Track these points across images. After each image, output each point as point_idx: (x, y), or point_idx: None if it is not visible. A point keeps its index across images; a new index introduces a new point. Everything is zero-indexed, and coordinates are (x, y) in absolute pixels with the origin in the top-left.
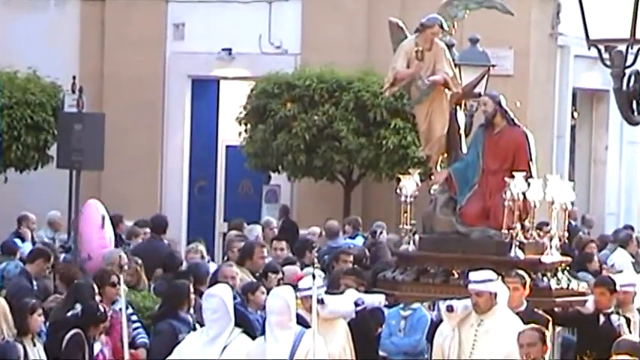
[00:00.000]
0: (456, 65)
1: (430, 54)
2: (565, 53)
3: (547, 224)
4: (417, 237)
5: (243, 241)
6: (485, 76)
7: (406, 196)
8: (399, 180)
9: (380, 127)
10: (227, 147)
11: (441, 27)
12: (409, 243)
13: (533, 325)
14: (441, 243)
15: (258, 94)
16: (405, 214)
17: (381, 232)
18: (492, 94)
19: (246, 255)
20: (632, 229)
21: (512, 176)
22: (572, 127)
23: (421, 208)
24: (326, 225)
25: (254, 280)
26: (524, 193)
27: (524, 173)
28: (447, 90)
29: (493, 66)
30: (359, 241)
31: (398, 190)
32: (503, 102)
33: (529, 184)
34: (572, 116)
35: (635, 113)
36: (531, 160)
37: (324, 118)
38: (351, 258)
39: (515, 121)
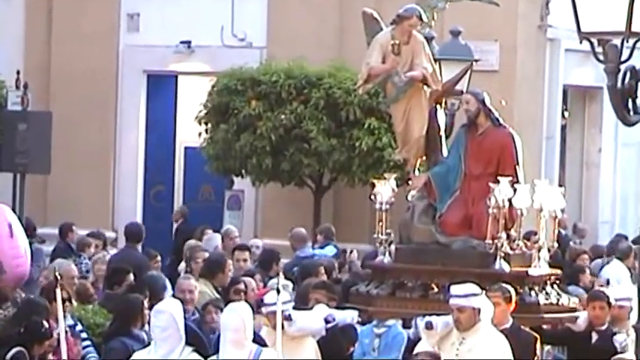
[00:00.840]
0: (435, 60)
1: (408, 48)
2: (555, 47)
3: (535, 234)
4: (393, 247)
5: (207, 251)
6: (468, 72)
7: (381, 203)
8: (373, 185)
9: (353, 127)
10: (186, 149)
11: (420, 18)
12: (384, 254)
13: None
14: (419, 254)
15: (219, 90)
16: (380, 223)
17: (351, 252)
18: (475, 91)
19: (216, 269)
20: (625, 238)
21: (497, 181)
22: (563, 128)
23: (397, 215)
24: (292, 232)
25: (217, 295)
26: (510, 200)
27: (510, 178)
28: (425, 87)
29: (476, 61)
30: (329, 250)
31: (372, 197)
32: (487, 100)
33: (515, 190)
34: (563, 115)
35: (631, 113)
36: (518, 163)
37: (292, 118)
38: (323, 270)
39: (501, 121)
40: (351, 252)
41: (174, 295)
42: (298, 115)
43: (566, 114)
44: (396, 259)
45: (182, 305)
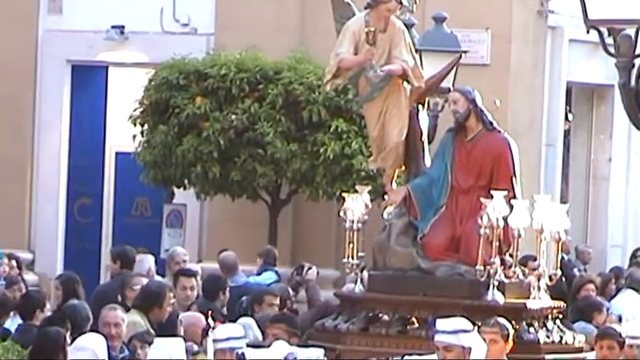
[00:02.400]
0: (416, 51)
1: (385, 37)
2: (557, 37)
3: (534, 259)
4: (365, 274)
5: (145, 276)
6: (455, 66)
7: (352, 222)
8: (342, 199)
9: (316, 130)
10: (117, 154)
11: (399, 2)
12: (356, 282)
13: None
14: (396, 282)
15: (158, 85)
16: (351, 245)
17: (309, 268)
18: (465, 89)
19: (152, 301)
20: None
21: (491, 196)
22: (566, 133)
23: (371, 236)
24: (220, 258)
25: (151, 330)
26: (505, 219)
27: (505, 192)
28: (405, 84)
29: (464, 52)
30: (266, 278)
31: (341, 213)
32: (478, 99)
33: (512, 207)
34: (566, 119)
35: None
36: (515, 175)
37: (245, 118)
38: (278, 300)
39: (494, 124)
40: (309, 269)
41: (95, 330)
42: (252, 115)
43: (570, 117)
44: (370, 288)
45: (106, 341)
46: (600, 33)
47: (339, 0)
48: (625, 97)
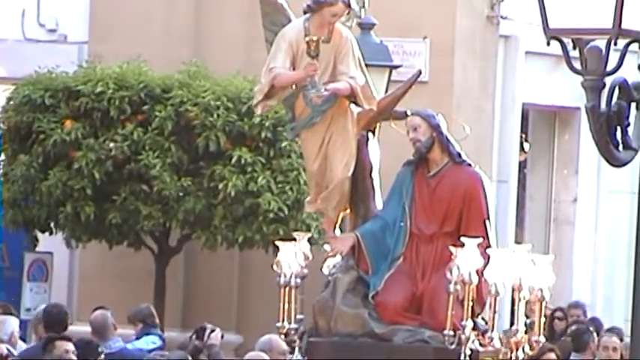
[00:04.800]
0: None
1: (329, 47)
2: (511, 49)
3: (511, 323)
4: (304, 342)
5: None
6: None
7: (288, 277)
8: (275, 249)
9: (214, 161)
10: None
11: (347, 4)
12: (293, 351)
13: None
14: (344, 351)
15: (18, 105)
16: (287, 305)
17: (212, 331)
18: (427, 112)
19: None
20: (598, 322)
21: (461, 244)
22: (522, 167)
23: (311, 294)
24: (91, 319)
25: None
26: (479, 272)
27: (479, 240)
28: (353, 106)
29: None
30: (148, 342)
31: (275, 266)
32: (443, 125)
33: (488, 258)
34: (522, 149)
35: (620, 147)
36: (488, 218)
37: (126, 147)
38: None
39: (463, 156)
40: (212, 331)
41: None
42: (134, 142)
43: (526, 147)
44: (311, 358)
45: None
46: (563, 45)
47: (271, 2)
48: (594, 123)
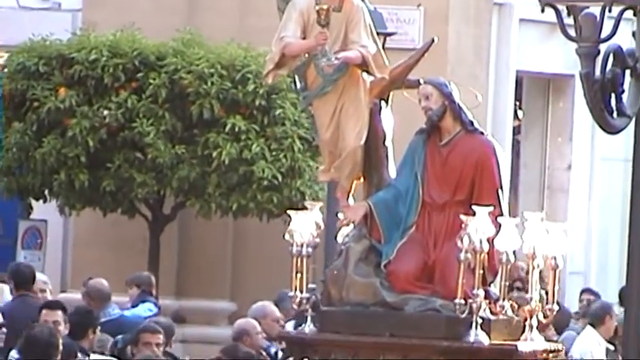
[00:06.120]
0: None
1: (340, 16)
2: (505, 16)
3: (525, 290)
4: (317, 311)
5: None
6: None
7: (300, 246)
8: (288, 218)
9: (208, 129)
10: None
11: None
12: (306, 320)
13: None
14: (356, 320)
15: (12, 73)
16: (299, 275)
17: None
18: (438, 80)
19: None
20: (594, 293)
21: (473, 213)
22: (515, 133)
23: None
24: (87, 287)
25: None
26: (490, 241)
27: (490, 208)
28: (365, 75)
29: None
30: (143, 310)
31: (287, 236)
32: (455, 94)
33: (499, 226)
34: (516, 116)
35: (614, 114)
36: (501, 188)
37: (120, 114)
38: (161, 338)
39: (475, 124)
40: None
41: None
42: (128, 110)
43: (520, 114)
44: (323, 328)
45: None
46: (558, 12)
47: None
48: (588, 90)
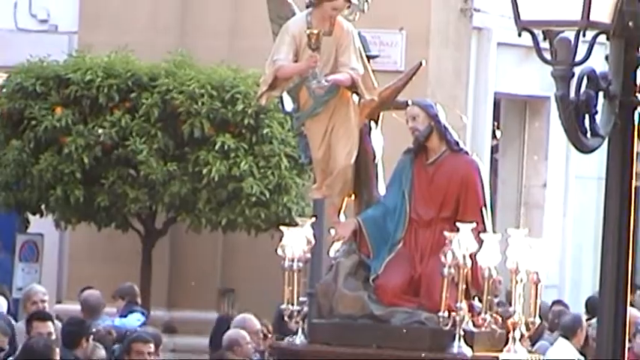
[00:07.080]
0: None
1: (330, 40)
2: (484, 40)
3: (508, 304)
4: (306, 323)
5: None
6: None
7: (291, 261)
8: (280, 233)
9: (199, 147)
10: None
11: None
12: (296, 332)
13: None
14: (345, 332)
15: (10, 93)
16: (290, 288)
17: None
18: (425, 102)
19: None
20: (564, 305)
21: (457, 229)
22: (493, 152)
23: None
24: (82, 298)
25: None
26: (473, 256)
27: (473, 225)
28: (355, 96)
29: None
30: (133, 320)
31: (279, 250)
32: (442, 115)
33: (482, 242)
34: (494, 136)
35: (588, 134)
36: (485, 205)
37: (114, 133)
38: (152, 347)
39: (460, 144)
40: None
41: None
42: (122, 129)
43: (497, 134)
44: (313, 339)
45: None
46: (534, 36)
47: None
48: (563, 111)
